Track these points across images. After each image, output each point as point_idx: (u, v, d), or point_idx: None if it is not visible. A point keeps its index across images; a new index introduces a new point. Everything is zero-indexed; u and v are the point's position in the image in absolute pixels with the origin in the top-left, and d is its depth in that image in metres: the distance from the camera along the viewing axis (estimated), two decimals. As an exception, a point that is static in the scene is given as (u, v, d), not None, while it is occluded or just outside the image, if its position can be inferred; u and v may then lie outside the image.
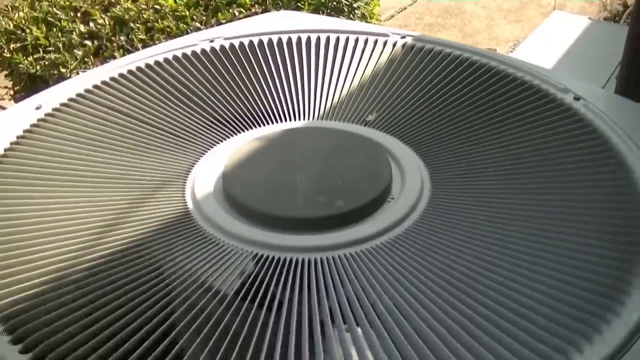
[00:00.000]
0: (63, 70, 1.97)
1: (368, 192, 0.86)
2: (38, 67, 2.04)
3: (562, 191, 0.90)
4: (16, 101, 2.12)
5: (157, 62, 1.20)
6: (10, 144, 1.01)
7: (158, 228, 0.86)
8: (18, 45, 2.12)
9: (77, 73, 1.89)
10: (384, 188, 0.88)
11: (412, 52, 1.21)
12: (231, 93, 1.15)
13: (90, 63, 1.99)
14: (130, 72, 1.18)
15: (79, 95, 1.13)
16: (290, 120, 1.09)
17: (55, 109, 1.09)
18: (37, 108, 1.10)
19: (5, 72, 2.21)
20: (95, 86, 1.15)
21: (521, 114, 1.05)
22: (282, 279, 0.76)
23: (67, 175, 0.96)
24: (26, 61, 2.06)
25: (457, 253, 0.79)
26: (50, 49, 2.09)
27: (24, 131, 1.04)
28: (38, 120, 1.06)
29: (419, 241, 0.82)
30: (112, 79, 1.16)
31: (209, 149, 1.02)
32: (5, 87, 2.36)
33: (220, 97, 1.14)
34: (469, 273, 0.76)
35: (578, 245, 0.80)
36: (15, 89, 2.20)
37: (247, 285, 0.76)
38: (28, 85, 2.13)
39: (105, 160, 0.99)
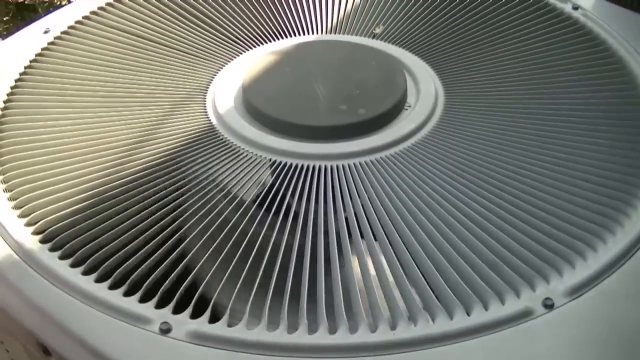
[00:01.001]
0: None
1: (386, 100, 0.90)
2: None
3: (570, 96, 0.94)
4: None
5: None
6: (25, 68, 1.02)
7: (184, 142, 0.89)
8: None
9: (69, 1, 1.85)
10: (401, 96, 0.91)
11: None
12: (240, 12, 1.15)
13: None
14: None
15: (85, 17, 1.13)
16: (301, 34, 1.11)
17: (64, 32, 1.10)
18: (45, 32, 1.10)
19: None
20: (101, 8, 1.15)
21: (523, 23, 1.08)
22: (300, 185, 0.80)
23: (88, 96, 0.97)
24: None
25: (474, 158, 0.84)
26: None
27: (36, 55, 1.05)
28: (48, 43, 1.07)
29: (437, 147, 0.86)
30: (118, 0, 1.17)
31: (224, 65, 1.04)
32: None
33: (230, 17, 1.14)
34: (484, 177, 0.81)
35: (588, 145, 0.85)
36: (4, 19, 2.15)
37: (264, 191, 0.80)
38: (16, 15, 2.09)
39: (122, 81, 1.00)
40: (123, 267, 0.71)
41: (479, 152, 0.84)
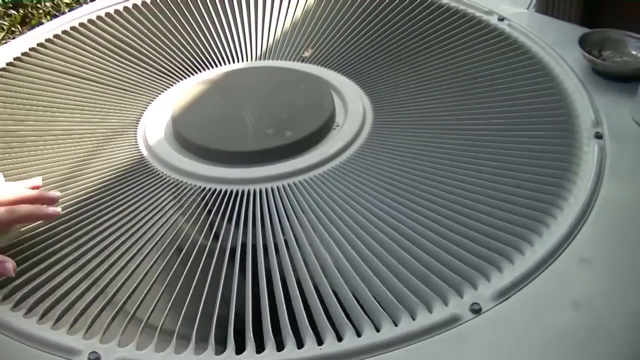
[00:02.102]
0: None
1: (313, 121, 0.90)
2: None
3: (495, 103, 0.95)
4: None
5: (91, 20, 1.21)
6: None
7: (113, 175, 0.89)
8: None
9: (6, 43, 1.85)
10: (328, 116, 0.91)
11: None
12: (169, 44, 1.16)
13: (18, 32, 1.95)
14: (65, 32, 1.18)
15: (16, 59, 1.13)
16: (231, 63, 1.12)
17: (-3, 69, 1.09)
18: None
19: None
20: (32, 48, 1.15)
21: (450, 37, 1.11)
22: (229, 209, 0.81)
23: (16, 136, 0.97)
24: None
25: (402, 172, 0.85)
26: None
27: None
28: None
29: (365, 164, 0.86)
30: (48, 40, 1.17)
31: (155, 97, 1.04)
32: None
33: (159, 49, 1.15)
34: (413, 190, 0.81)
35: (514, 151, 0.86)
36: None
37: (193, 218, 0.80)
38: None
39: (53, 119, 1.00)
40: (50, 298, 0.70)
41: (407, 166, 0.85)
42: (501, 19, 1.12)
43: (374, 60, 1.08)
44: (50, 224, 0.79)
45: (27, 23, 1.99)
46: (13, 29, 1.94)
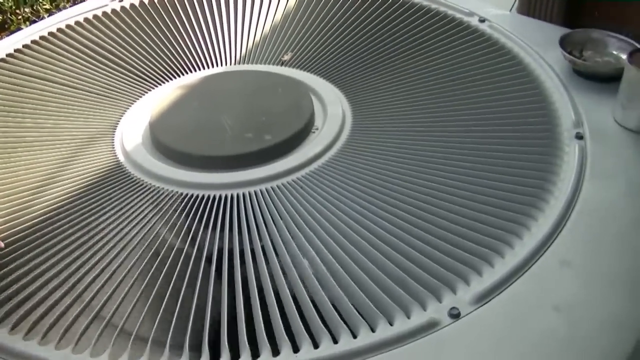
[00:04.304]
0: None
1: (292, 125, 0.89)
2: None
3: (475, 104, 0.95)
4: None
5: (69, 26, 1.19)
6: None
7: (89, 182, 0.87)
8: None
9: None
10: (307, 120, 0.90)
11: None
12: (147, 49, 1.15)
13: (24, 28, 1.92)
14: (42, 37, 1.17)
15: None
16: (210, 67, 1.11)
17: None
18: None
19: None
20: (9, 54, 1.13)
21: (431, 39, 1.10)
22: (207, 214, 0.79)
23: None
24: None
25: (380, 175, 0.84)
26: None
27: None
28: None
29: (344, 167, 0.86)
30: (25, 45, 1.15)
31: (133, 103, 1.03)
32: None
33: (137, 54, 1.14)
34: (391, 193, 0.80)
35: (491, 152, 0.85)
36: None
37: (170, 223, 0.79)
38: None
39: (29, 125, 0.98)
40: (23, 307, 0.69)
41: (386, 169, 0.84)
42: (482, 20, 1.11)
43: (354, 63, 1.07)
44: (25, 233, 0.78)
45: (5, 29, 1.96)
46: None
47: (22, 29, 1.87)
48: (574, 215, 0.75)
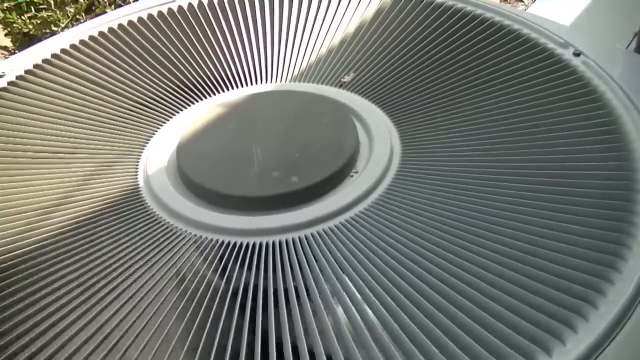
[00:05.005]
0: (55, 28, 1.90)
1: (326, 167, 0.78)
2: (31, 26, 1.98)
3: (557, 157, 0.80)
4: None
5: (130, 22, 1.14)
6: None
7: (103, 208, 0.80)
8: (12, 3, 2.05)
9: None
10: (344, 163, 0.79)
11: (401, 2, 1.11)
12: (202, 54, 1.08)
13: (82, 20, 1.91)
14: (101, 33, 1.12)
15: (44, 61, 1.07)
16: (262, 82, 1.01)
17: (18, 77, 1.04)
18: (1, 76, 1.04)
19: (5, 32, 2.16)
20: (63, 50, 1.08)
21: (513, 72, 0.95)
22: (222, 264, 0.70)
23: (19, 151, 0.91)
24: (20, 20, 2.00)
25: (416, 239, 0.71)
26: (42, 6, 2.02)
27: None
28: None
29: (376, 223, 0.74)
30: (82, 42, 1.10)
31: (170, 118, 0.96)
32: (5, 48, 2.30)
33: (190, 59, 1.07)
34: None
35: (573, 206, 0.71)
36: (15, 47, 2.14)
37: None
38: (24, 44, 2.07)
39: (61, 133, 0.94)
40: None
41: (428, 230, 0.71)
42: (577, 54, 0.95)
43: (419, 95, 0.94)
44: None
45: (92, 11, 1.96)
46: (78, 16, 1.91)
47: (106, 12, 1.87)
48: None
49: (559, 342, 0.56)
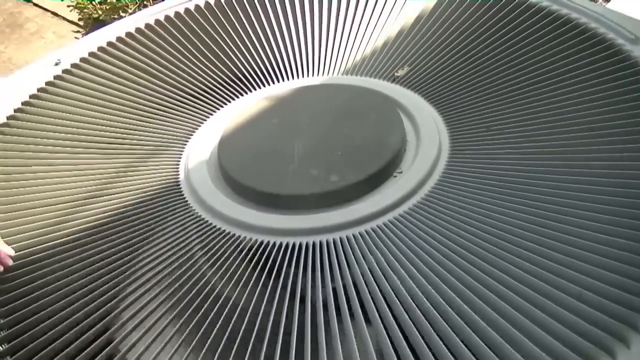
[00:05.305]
0: (123, 14, 1.92)
1: (367, 167, 0.75)
2: (100, 12, 2.01)
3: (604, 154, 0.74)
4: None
5: (187, 10, 1.13)
6: (22, 104, 0.97)
7: (140, 200, 0.80)
8: (85, -11, 2.09)
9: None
10: (386, 163, 0.76)
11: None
12: (257, 45, 1.06)
13: (149, 5, 1.92)
14: (157, 22, 1.11)
15: (100, 49, 1.07)
16: (311, 75, 0.99)
17: (73, 65, 1.04)
18: (56, 64, 1.05)
19: (79, 17, 2.20)
20: (119, 38, 1.08)
21: (582, 75, 0.87)
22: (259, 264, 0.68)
23: (65, 139, 0.91)
24: (90, 5, 2.03)
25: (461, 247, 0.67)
26: (112, -8, 2.05)
27: (38, 90, 1.00)
28: (54, 77, 1.02)
29: (420, 221, 0.70)
30: (138, 30, 1.10)
31: (217, 110, 0.95)
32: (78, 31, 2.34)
33: (243, 50, 1.05)
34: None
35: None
36: (85, 32, 2.18)
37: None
38: (94, 28, 2.10)
39: (108, 122, 0.94)
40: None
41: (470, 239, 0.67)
42: (649, 50, 0.89)
43: (474, 93, 0.89)
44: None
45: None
46: (145, 2, 1.92)
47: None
48: None
49: None
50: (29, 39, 2.43)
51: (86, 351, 0.62)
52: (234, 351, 0.58)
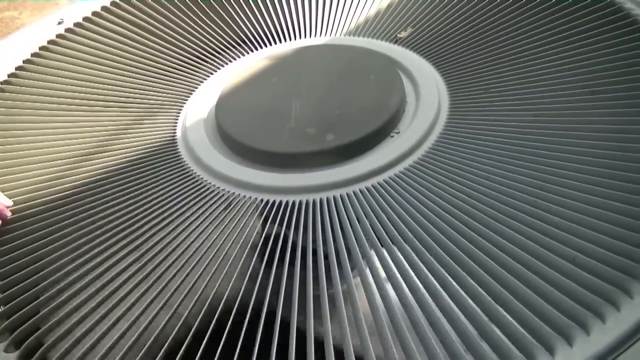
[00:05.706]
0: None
1: (364, 126, 0.74)
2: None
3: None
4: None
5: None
6: (23, 62, 0.96)
7: (135, 158, 0.79)
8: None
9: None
10: (383, 123, 0.75)
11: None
12: (260, 6, 1.05)
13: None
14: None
15: (103, 8, 1.06)
16: (314, 35, 0.97)
17: (76, 24, 1.04)
18: (59, 23, 1.05)
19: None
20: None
21: (600, 41, 0.82)
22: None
23: (67, 97, 0.91)
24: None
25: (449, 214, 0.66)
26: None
27: (40, 48, 0.99)
28: (57, 36, 1.01)
29: (411, 183, 0.69)
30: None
31: (217, 69, 0.94)
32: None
33: (247, 12, 1.04)
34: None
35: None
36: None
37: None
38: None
39: (109, 82, 0.94)
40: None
41: (461, 205, 0.66)
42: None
43: (478, 55, 0.86)
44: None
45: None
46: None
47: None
48: None
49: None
50: (43, 5, 2.43)
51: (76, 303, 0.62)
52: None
